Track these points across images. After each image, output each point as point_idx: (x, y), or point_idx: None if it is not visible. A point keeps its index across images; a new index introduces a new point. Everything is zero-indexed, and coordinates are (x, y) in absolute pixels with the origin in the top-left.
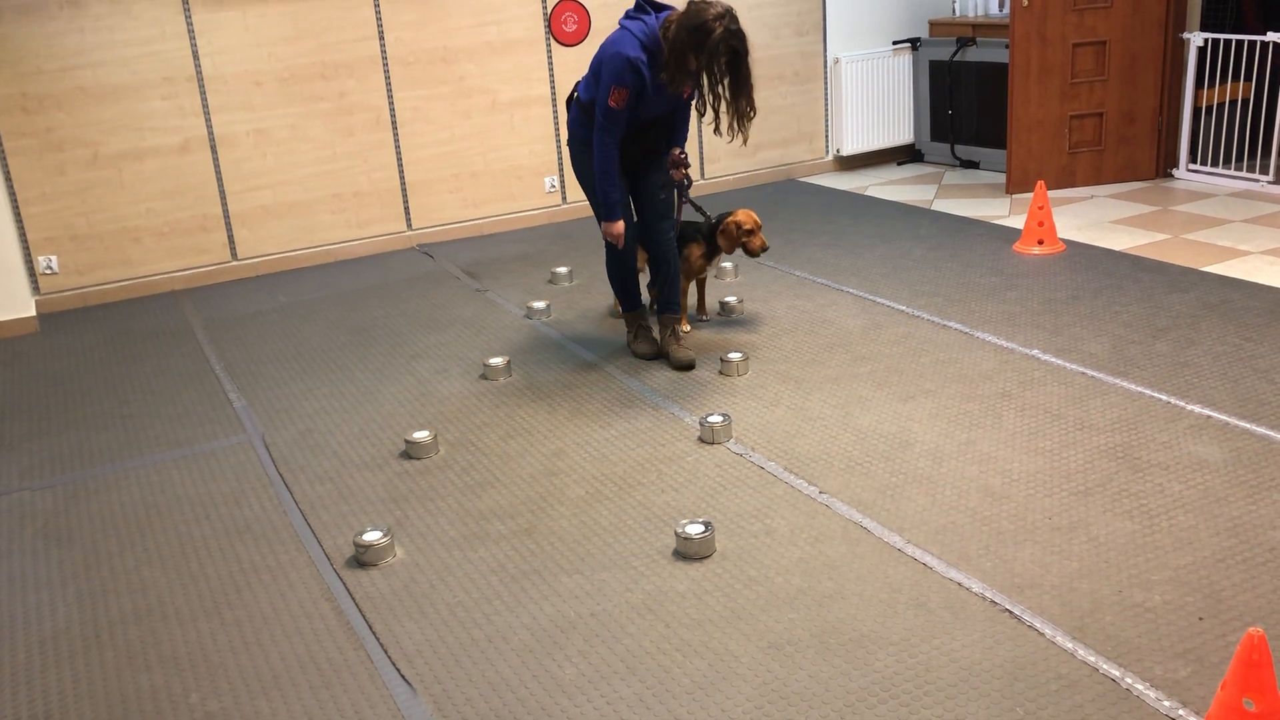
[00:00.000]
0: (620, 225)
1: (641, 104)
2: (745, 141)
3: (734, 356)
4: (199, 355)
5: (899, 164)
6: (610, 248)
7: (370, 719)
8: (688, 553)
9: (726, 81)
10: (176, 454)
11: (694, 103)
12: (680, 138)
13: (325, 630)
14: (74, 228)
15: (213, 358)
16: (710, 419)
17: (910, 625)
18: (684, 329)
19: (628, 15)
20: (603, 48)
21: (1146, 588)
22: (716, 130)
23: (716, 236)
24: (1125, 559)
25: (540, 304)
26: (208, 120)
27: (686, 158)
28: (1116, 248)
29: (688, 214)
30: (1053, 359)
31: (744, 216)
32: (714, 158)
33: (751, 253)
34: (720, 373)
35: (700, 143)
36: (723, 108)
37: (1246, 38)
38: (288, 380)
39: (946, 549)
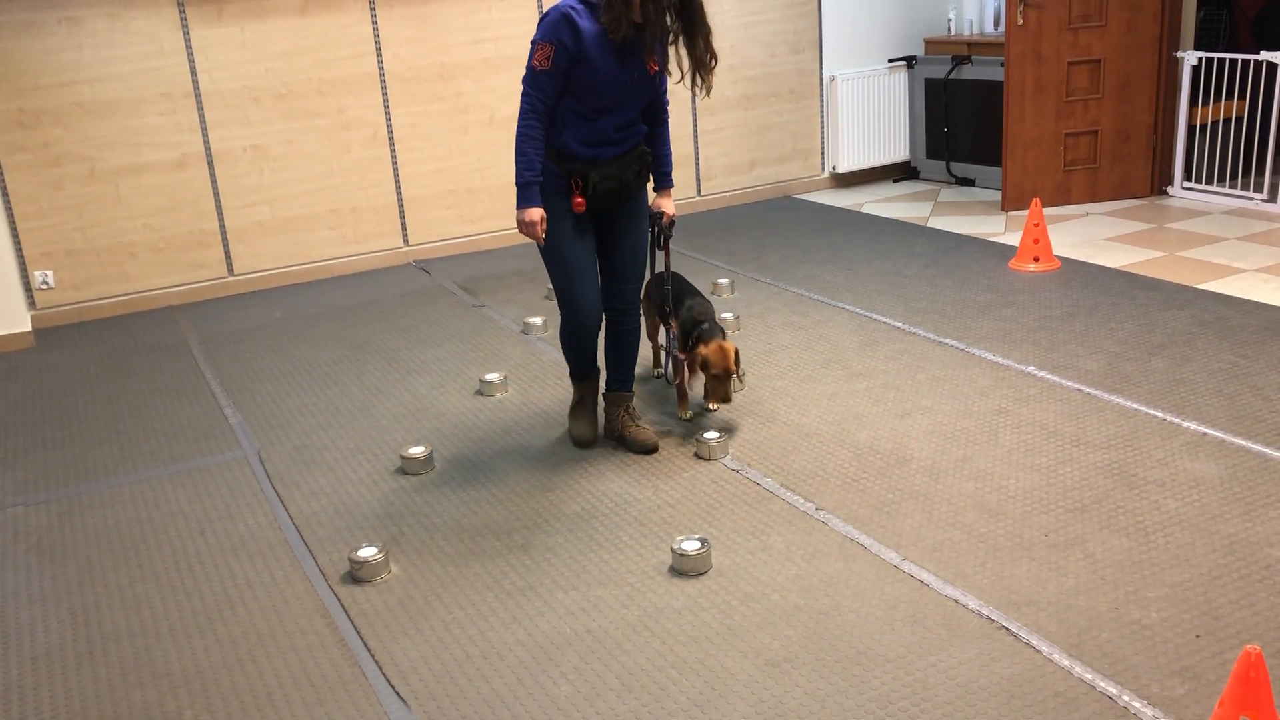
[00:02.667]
0: (535, 212)
1: (591, 79)
2: (709, 92)
3: None
4: (195, 371)
5: (895, 181)
6: (568, 311)
7: None
8: (684, 569)
9: (678, 25)
10: (171, 469)
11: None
12: (661, 144)
13: (320, 647)
14: (70, 243)
15: (208, 373)
16: (707, 435)
17: (907, 642)
18: (712, 407)
19: None
20: None
21: (1143, 605)
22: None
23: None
24: (1122, 576)
25: (537, 320)
26: (205, 136)
27: (664, 219)
28: (1112, 265)
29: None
30: (1049, 376)
31: (715, 354)
32: (709, 175)
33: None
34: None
35: (697, 159)
36: (676, 60)
37: (1240, 56)
38: (283, 396)
39: (943, 565)
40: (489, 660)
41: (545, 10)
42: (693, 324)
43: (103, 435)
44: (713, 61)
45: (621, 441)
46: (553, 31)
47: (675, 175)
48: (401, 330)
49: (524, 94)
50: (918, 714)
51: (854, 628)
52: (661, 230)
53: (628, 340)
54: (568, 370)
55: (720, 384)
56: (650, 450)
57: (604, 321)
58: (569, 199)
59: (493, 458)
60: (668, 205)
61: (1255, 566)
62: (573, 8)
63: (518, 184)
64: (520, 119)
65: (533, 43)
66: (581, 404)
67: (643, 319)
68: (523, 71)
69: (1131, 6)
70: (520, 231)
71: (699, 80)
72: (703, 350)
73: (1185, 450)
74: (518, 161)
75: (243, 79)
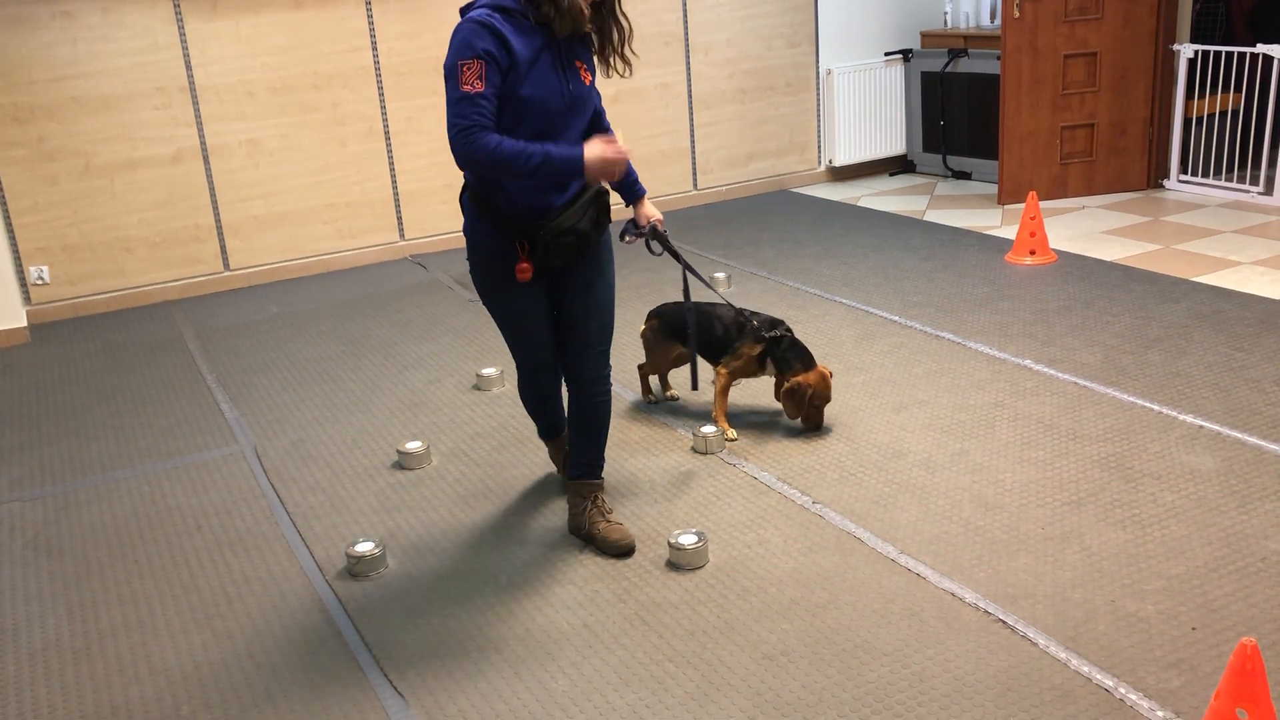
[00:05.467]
0: (596, 144)
1: (528, 102)
2: (630, 70)
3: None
4: (191, 366)
5: (891, 175)
6: (528, 374)
7: None
8: (681, 563)
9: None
10: (168, 465)
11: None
12: (628, 170)
13: (317, 641)
14: (66, 238)
15: (205, 368)
16: (704, 429)
17: (904, 635)
18: (730, 435)
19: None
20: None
21: (1140, 597)
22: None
23: (779, 390)
24: (1118, 569)
25: None
26: (200, 130)
27: (660, 224)
28: (1108, 258)
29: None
30: (1045, 369)
31: (820, 385)
32: (706, 168)
33: (806, 420)
34: (713, 383)
35: (693, 153)
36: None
37: (1236, 49)
38: (280, 391)
39: (940, 559)
40: (486, 655)
41: (455, 29)
42: (768, 325)
43: (99, 431)
44: (628, 32)
45: (590, 540)
46: (475, 44)
47: (672, 169)
48: (398, 325)
49: (459, 127)
50: (915, 707)
51: (851, 621)
52: (659, 237)
53: (597, 416)
54: (536, 430)
55: (818, 413)
56: (628, 552)
57: (567, 393)
58: (513, 266)
59: (489, 452)
60: (652, 211)
61: (1251, 559)
62: (490, 16)
63: (551, 163)
64: (469, 145)
65: (452, 66)
66: (568, 459)
67: (644, 348)
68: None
69: None
70: (609, 175)
71: (613, 63)
72: (807, 380)
73: (1181, 443)
74: (519, 163)
75: (238, 73)
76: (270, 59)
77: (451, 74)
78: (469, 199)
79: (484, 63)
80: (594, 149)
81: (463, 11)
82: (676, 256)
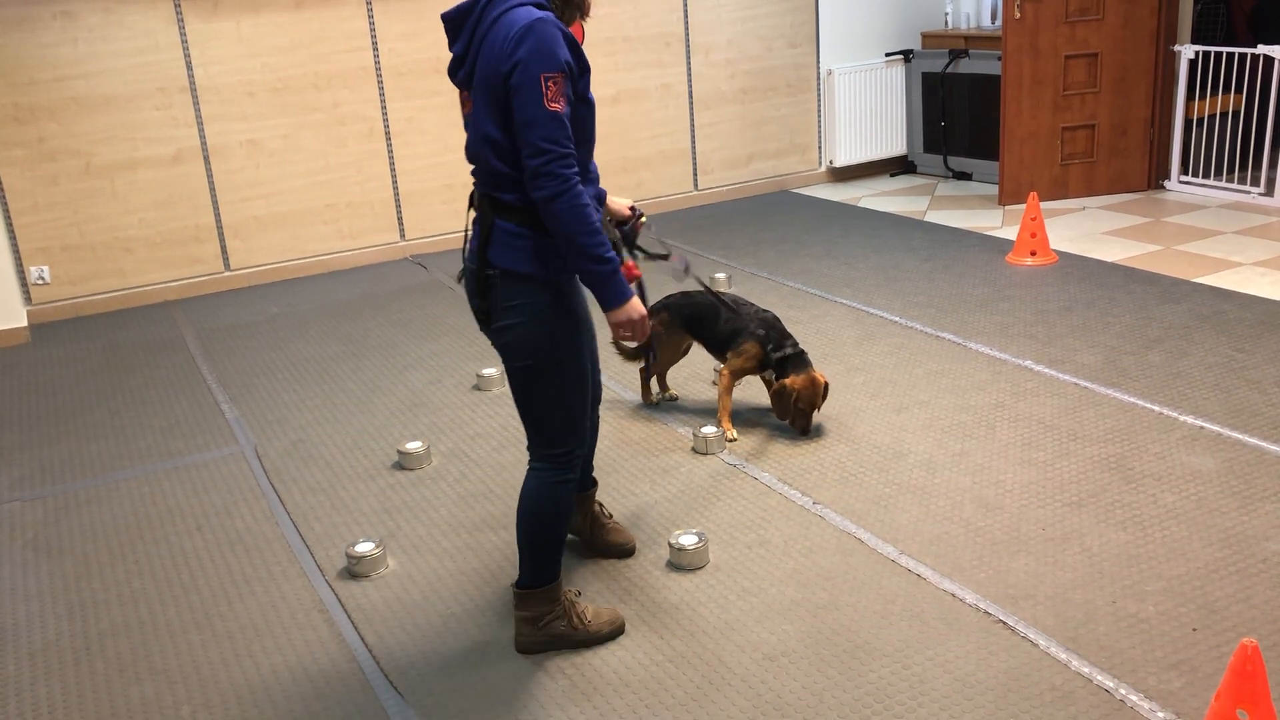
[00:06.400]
0: (640, 305)
1: (589, 105)
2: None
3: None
4: (191, 366)
5: (892, 175)
6: (569, 451)
7: None
8: (681, 564)
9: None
10: (168, 465)
11: None
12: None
13: (317, 642)
14: (66, 238)
15: (205, 368)
16: (704, 430)
17: (904, 636)
18: (731, 435)
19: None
20: (496, 42)
21: (1140, 598)
22: None
23: (771, 392)
24: (1119, 570)
25: None
26: (201, 131)
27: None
28: (1109, 259)
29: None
30: (1046, 370)
31: (807, 389)
32: (707, 169)
33: (795, 425)
34: (713, 384)
35: (694, 154)
36: None
37: (1237, 50)
38: (280, 391)
39: (940, 560)
40: (485, 655)
41: (524, 29)
42: (777, 343)
43: (99, 431)
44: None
45: (591, 542)
46: (559, 54)
47: (673, 170)
48: (398, 325)
49: (556, 155)
50: (915, 708)
51: (851, 622)
52: (630, 232)
53: (594, 429)
54: (545, 574)
55: (803, 416)
56: (628, 553)
57: None
58: (581, 297)
59: (490, 452)
60: (623, 202)
61: (1252, 560)
62: (552, 16)
63: (603, 273)
64: (559, 188)
65: (535, 78)
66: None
67: (656, 348)
68: None
69: (1129, 0)
70: (625, 335)
71: None
72: (793, 384)
73: (1182, 444)
74: (587, 242)
75: (238, 74)
76: (271, 59)
77: (534, 85)
78: (525, 221)
79: (564, 75)
80: (639, 307)
81: (479, 7)
82: (641, 249)
